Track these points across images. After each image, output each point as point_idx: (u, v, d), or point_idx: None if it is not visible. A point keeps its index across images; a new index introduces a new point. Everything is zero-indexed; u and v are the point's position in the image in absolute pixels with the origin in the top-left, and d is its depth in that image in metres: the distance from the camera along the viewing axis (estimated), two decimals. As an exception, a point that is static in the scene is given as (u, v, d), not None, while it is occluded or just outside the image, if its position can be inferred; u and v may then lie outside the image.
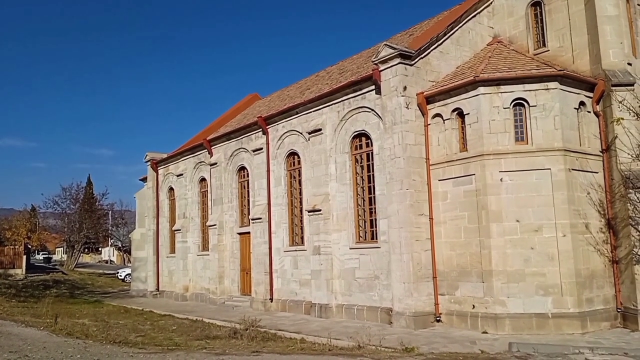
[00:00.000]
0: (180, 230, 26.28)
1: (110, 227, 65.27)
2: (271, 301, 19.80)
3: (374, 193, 16.24)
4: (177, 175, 27.12)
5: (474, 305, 13.86)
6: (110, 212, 63.60)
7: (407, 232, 14.43)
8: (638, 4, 16.07)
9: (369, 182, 16.61)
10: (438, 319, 14.57)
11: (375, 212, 16.21)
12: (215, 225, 23.18)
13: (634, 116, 13.10)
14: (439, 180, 14.91)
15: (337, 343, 12.19)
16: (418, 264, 14.44)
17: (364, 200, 16.83)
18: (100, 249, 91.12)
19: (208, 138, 24.74)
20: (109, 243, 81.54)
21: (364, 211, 16.80)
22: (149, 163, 29.51)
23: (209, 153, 24.46)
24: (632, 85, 13.97)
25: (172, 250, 27.55)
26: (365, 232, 16.75)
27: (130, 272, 35.46)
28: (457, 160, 14.52)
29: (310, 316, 17.41)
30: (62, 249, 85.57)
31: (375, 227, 16.16)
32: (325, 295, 17.12)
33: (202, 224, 25.26)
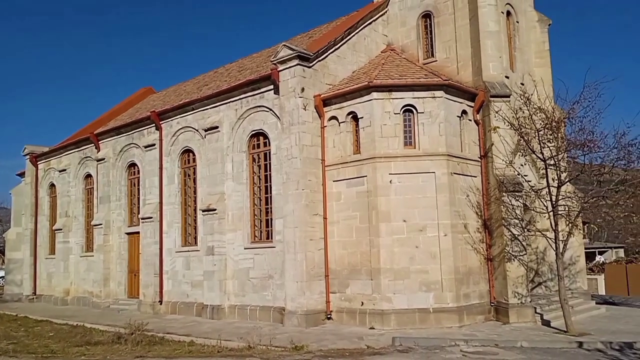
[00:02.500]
0: (61, 229, 24.43)
1: (-19, 226, 59.17)
2: (160, 304, 19.05)
3: (271, 193, 16.22)
4: (60, 171, 25.22)
5: (362, 302, 14.34)
6: (-19, 209, 57.64)
7: (301, 232, 14.59)
8: (517, 21, 17.61)
9: (266, 181, 16.56)
10: (329, 316, 14.89)
11: (271, 211, 16.19)
12: (101, 224, 21.86)
13: (509, 125, 14.29)
14: (334, 181, 15.26)
15: (227, 344, 12.02)
16: (311, 263, 14.66)
17: (260, 200, 16.76)
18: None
19: (95, 132, 23.29)
20: (-20, 244, 73.94)
21: (260, 211, 16.73)
22: (27, 157, 27.21)
23: (96, 148, 23.02)
24: (508, 96, 15.20)
25: (52, 251, 25.58)
26: (261, 232, 16.67)
27: (3, 275, 32.72)
28: (351, 162, 14.95)
29: (202, 318, 16.99)
30: None
31: (271, 226, 16.14)
32: (218, 296, 16.80)
33: (87, 223, 23.70)
